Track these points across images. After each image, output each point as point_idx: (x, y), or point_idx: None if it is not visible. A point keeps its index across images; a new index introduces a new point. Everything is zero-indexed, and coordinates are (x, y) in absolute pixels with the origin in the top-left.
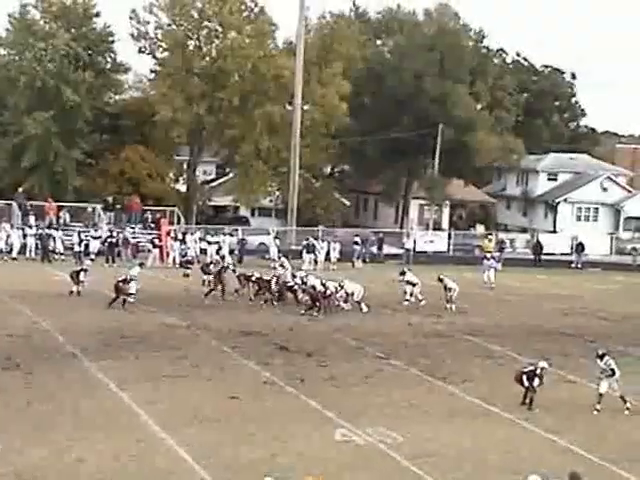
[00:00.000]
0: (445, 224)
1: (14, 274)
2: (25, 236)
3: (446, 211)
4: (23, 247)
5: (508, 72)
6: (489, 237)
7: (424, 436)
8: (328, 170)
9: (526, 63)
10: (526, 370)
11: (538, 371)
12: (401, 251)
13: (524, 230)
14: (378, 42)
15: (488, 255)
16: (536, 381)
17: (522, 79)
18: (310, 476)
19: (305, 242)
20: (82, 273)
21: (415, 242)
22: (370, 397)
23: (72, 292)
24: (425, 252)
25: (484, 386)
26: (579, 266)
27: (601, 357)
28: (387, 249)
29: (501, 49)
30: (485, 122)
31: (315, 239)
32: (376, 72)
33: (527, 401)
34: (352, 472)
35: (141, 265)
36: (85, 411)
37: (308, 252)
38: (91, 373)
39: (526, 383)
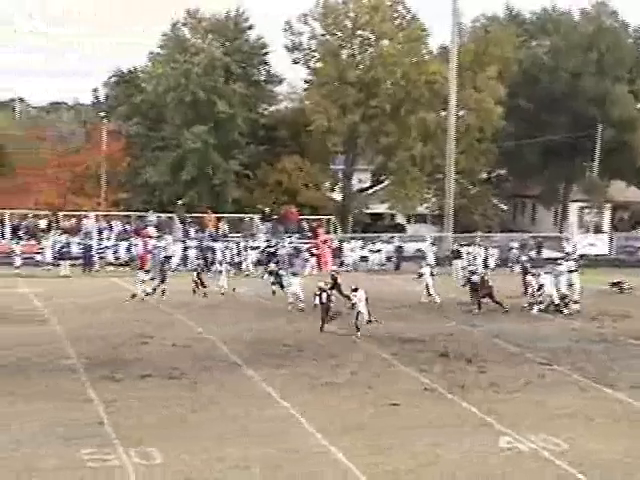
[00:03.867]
0: (606, 226)
1: (176, 285)
2: (186, 248)
3: (607, 213)
4: (184, 259)
5: None
6: None
7: (590, 443)
8: (484, 175)
9: None
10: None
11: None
12: (561, 255)
13: None
14: (533, 43)
15: None
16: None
17: None
18: None
19: (453, 248)
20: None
21: (575, 246)
22: (532, 403)
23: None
24: (586, 255)
25: None
26: None
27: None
28: (546, 253)
29: None
30: None
31: (468, 245)
32: (531, 74)
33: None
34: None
35: (295, 275)
36: (247, 419)
37: (455, 258)
38: (253, 382)
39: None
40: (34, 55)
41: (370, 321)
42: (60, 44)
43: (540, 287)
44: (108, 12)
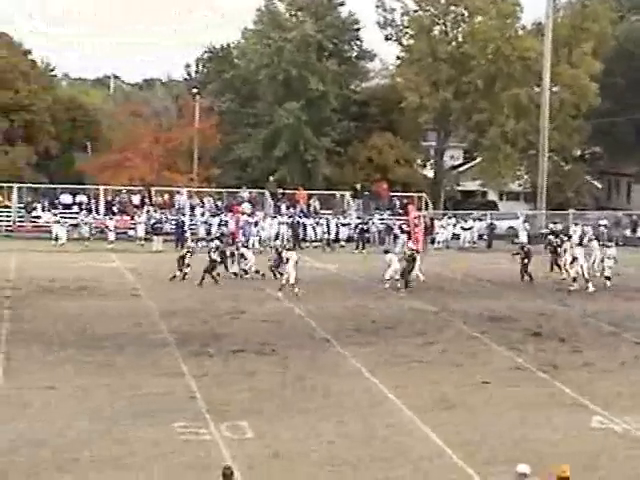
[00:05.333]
0: None
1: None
2: (278, 224)
3: None
4: (276, 235)
5: None
6: None
7: None
8: (578, 152)
9: None
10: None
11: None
12: None
13: None
14: (632, 18)
15: None
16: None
17: None
18: (565, 464)
19: (551, 226)
20: (187, 256)
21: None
22: (627, 384)
23: (174, 277)
24: None
25: None
26: None
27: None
28: None
29: None
30: None
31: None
32: (627, 49)
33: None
34: (609, 460)
35: (386, 252)
36: (337, 395)
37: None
38: (343, 358)
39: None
40: (34, 55)
41: (293, 285)
42: (60, 44)
43: (574, 260)
44: (108, 12)
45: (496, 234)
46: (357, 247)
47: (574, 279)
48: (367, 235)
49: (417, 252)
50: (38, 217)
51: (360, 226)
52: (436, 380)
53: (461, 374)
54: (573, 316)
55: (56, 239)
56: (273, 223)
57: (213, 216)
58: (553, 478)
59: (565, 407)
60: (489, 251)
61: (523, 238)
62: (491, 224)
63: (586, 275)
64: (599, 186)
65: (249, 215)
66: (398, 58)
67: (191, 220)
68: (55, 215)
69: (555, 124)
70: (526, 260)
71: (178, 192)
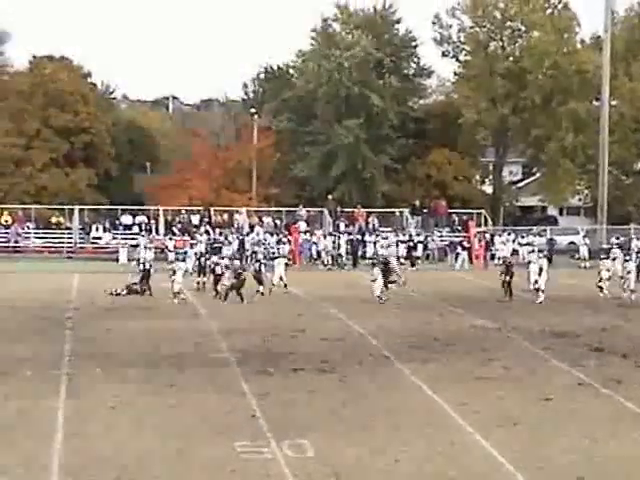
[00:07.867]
0: None
1: (326, 279)
2: (336, 242)
3: None
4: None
5: None
6: None
7: None
8: (639, 166)
9: None
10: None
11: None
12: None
13: None
14: None
15: None
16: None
17: None
18: None
19: (615, 241)
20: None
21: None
22: None
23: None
24: None
25: None
26: None
27: None
28: None
29: None
30: None
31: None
32: None
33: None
34: None
35: (374, 265)
36: (399, 413)
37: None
38: (404, 375)
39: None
40: (94, 78)
41: (177, 293)
42: None
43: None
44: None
45: (556, 249)
46: (412, 264)
47: (537, 289)
48: (426, 252)
49: (244, 270)
50: (99, 238)
51: (411, 243)
52: (499, 397)
53: (523, 391)
54: (635, 331)
55: (117, 260)
56: (331, 241)
57: (272, 235)
58: None
59: (630, 423)
60: (549, 267)
61: (584, 253)
62: (551, 239)
63: (537, 285)
64: None
65: (305, 233)
66: (455, 74)
67: (251, 239)
68: (115, 237)
69: (614, 138)
70: (507, 275)
71: (237, 211)
